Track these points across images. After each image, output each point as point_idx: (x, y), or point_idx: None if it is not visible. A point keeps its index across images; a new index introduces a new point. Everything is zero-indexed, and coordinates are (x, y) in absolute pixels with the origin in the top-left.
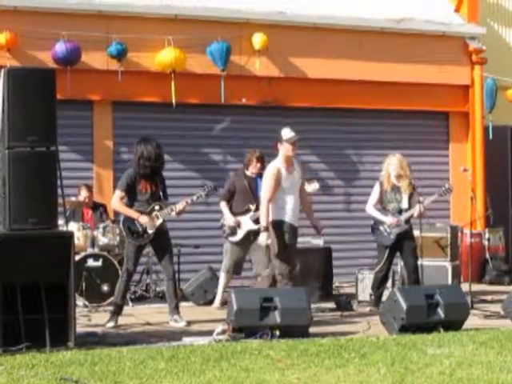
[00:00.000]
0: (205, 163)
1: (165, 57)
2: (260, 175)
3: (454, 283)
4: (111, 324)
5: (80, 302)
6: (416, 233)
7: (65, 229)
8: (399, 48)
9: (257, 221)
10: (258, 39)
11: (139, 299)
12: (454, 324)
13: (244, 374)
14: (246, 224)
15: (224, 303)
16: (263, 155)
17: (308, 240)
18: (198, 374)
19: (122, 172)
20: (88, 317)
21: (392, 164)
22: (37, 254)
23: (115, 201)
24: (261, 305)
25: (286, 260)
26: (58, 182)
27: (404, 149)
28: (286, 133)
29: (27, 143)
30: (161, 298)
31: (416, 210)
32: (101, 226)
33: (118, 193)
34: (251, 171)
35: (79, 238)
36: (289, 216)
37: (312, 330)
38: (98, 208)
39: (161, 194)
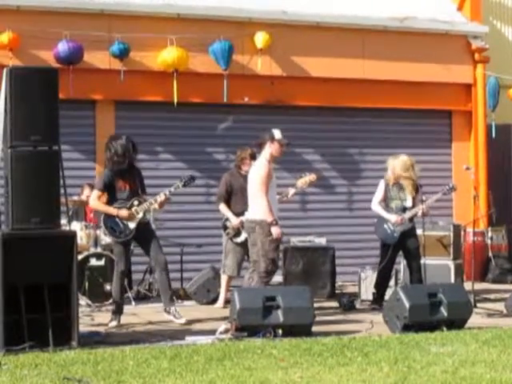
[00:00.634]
0: (207, 162)
1: (167, 56)
2: None
3: (457, 282)
4: (114, 323)
5: (83, 301)
6: (419, 231)
7: (67, 228)
8: (402, 47)
9: None
10: (261, 38)
11: (142, 298)
12: (456, 323)
13: (247, 373)
14: None
15: (227, 303)
16: (255, 152)
17: (311, 239)
18: (201, 373)
19: None
20: (91, 316)
21: (396, 166)
22: (40, 254)
23: (92, 199)
24: (264, 304)
25: (274, 259)
26: (61, 182)
27: (407, 147)
28: (278, 133)
29: (30, 142)
30: None
31: (420, 209)
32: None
33: (95, 192)
34: (245, 170)
35: (82, 237)
36: (275, 214)
37: (315, 328)
38: None
39: (136, 190)
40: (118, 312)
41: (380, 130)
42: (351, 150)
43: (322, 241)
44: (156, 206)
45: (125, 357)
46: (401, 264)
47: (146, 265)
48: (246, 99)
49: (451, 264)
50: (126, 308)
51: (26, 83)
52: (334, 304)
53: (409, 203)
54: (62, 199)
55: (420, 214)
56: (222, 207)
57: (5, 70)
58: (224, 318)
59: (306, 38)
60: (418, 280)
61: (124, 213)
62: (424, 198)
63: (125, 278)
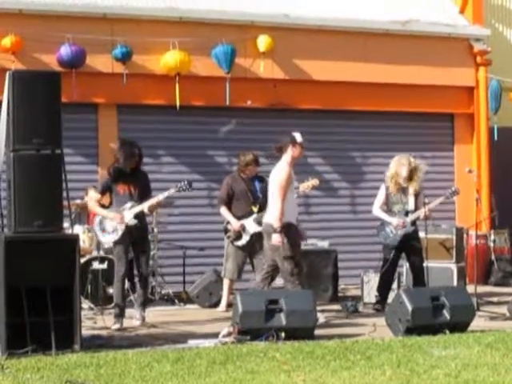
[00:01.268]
0: (210, 166)
1: (169, 59)
2: (257, 177)
3: (460, 285)
4: (117, 326)
5: (85, 304)
6: (421, 234)
7: (70, 231)
8: (404, 50)
9: (260, 222)
10: (263, 41)
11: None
12: (459, 326)
13: (250, 376)
14: (250, 227)
15: (230, 306)
16: (258, 156)
17: (313, 242)
18: (204, 376)
19: None
20: (93, 319)
21: (403, 165)
22: (42, 257)
23: (89, 200)
24: (266, 307)
25: (296, 262)
26: (64, 185)
27: (409, 150)
28: (299, 136)
29: (32, 146)
30: (166, 300)
31: (422, 212)
32: None
33: (95, 194)
34: (248, 174)
35: (84, 240)
36: (294, 217)
37: (317, 332)
38: None
39: (137, 194)
40: (120, 315)
41: (382, 133)
42: (354, 153)
43: (324, 244)
44: (146, 209)
45: (127, 360)
46: (403, 267)
47: (150, 268)
48: (249, 102)
49: (454, 267)
50: (129, 311)
51: (28, 87)
52: (337, 307)
53: (411, 206)
54: (65, 202)
55: (422, 216)
56: (223, 210)
57: (8, 74)
58: (226, 321)
59: (308, 41)
60: (421, 283)
61: (111, 215)
62: (426, 200)
63: (125, 281)
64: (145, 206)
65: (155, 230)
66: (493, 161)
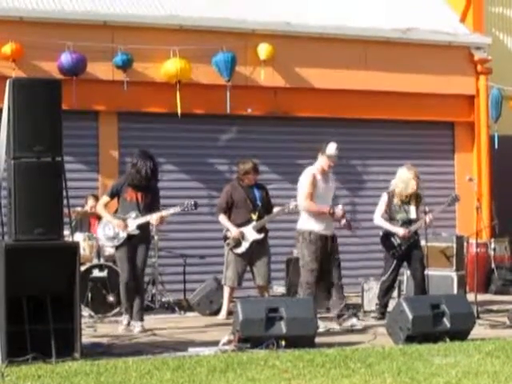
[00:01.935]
0: (210, 173)
1: (170, 67)
2: (256, 185)
3: (460, 293)
4: (125, 322)
5: (86, 312)
6: (422, 242)
7: (70, 239)
8: (405, 58)
9: (259, 230)
10: (264, 49)
11: (145, 309)
12: (459, 334)
13: None
14: (250, 234)
15: (230, 314)
16: (257, 164)
17: None
18: None
19: None
20: (94, 327)
21: (411, 179)
22: (42, 265)
23: (98, 203)
24: (267, 315)
25: (313, 271)
26: (64, 193)
27: (409, 158)
28: (331, 148)
29: (33, 154)
30: (166, 308)
31: (424, 221)
32: None
33: (103, 197)
34: (247, 182)
35: (85, 248)
36: (319, 226)
37: (318, 340)
38: None
39: (143, 204)
40: (128, 312)
41: (383, 141)
42: (354, 161)
43: None
44: (153, 222)
45: (128, 368)
46: (404, 275)
47: (150, 276)
48: (249, 110)
49: (454, 275)
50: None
51: (29, 94)
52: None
53: (413, 215)
54: (65, 210)
55: (423, 225)
56: (222, 218)
57: (8, 81)
58: (227, 329)
59: (308, 49)
60: (422, 291)
61: (115, 222)
62: (427, 208)
63: (127, 288)
64: (148, 219)
65: (156, 237)
66: (493, 169)
